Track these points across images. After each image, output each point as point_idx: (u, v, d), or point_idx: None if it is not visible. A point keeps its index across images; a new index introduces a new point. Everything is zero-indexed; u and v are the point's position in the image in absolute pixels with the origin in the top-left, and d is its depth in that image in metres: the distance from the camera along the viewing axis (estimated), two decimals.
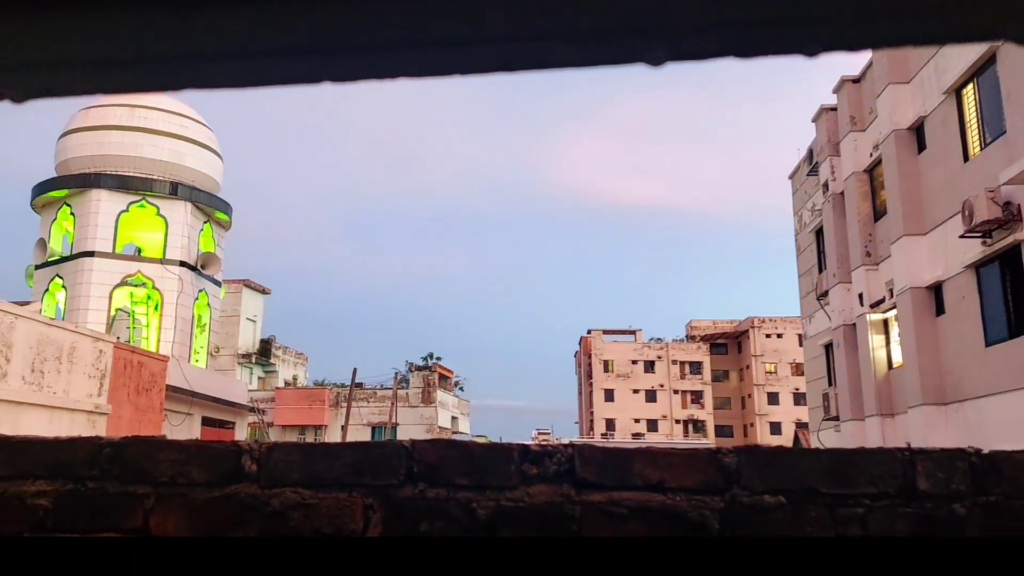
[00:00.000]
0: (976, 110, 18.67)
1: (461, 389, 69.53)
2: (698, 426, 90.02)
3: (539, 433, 78.53)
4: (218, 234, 36.17)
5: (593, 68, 0.55)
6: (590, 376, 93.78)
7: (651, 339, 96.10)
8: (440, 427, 58.18)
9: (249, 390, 41.23)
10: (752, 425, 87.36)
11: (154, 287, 33.13)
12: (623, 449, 2.15)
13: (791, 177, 32.41)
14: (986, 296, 18.32)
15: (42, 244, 34.00)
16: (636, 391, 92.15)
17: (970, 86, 18.86)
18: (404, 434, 53.00)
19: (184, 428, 27.40)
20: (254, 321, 60.17)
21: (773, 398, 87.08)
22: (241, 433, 33.49)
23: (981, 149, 18.47)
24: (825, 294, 27.02)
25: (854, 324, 24.78)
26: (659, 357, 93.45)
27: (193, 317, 34.44)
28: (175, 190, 33.56)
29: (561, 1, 0.51)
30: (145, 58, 0.57)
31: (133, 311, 32.90)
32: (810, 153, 29.36)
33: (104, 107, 33.22)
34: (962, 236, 18.21)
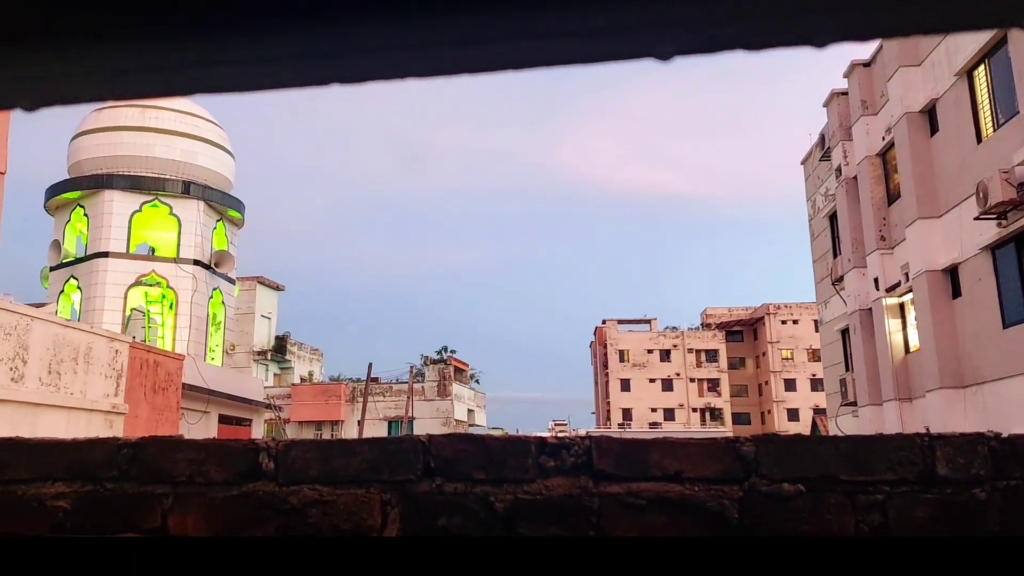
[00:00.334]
0: (988, 91, 18.56)
1: (477, 382, 69.58)
2: (715, 414, 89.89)
3: (556, 424, 78.44)
4: (231, 232, 36.26)
5: (601, 64, 0.55)
6: (606, 366, 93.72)
7: (666, 328, 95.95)
8: (456, 420, 58.25)
9: (265, 387, 41.35)
10: (769, 412, 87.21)
11: (168, 286, 33.25)
12: (640, 440, 2.15)
13: (803, 163, 32.27)
14: (1002, 278, 18.22)
15: (56, 246, 34.15)
16: (652, 380, 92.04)
17: (982, 67, 18.74)
18: (420, 428, 53.12)
19: (201, 426, 27.50)
20: (269, 318, 60.29)
21: (790, 384, 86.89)
22: (258, 430, 33.59)
23: (994, 130, 18.36)
24: (840, 279, 26.91)
25: (870, 309, 24.68)
26: (675, 346, 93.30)
27: (208, 315, 34.56)
28: (187, 189, 33.66)
29: None
30: (156, 66, 0.57)
31: (148, 310, 33.03)
32: (822, 138, 29.21)
33: (116, 108, 33.34)
34: (977, 218, 18.11)
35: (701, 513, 2.04)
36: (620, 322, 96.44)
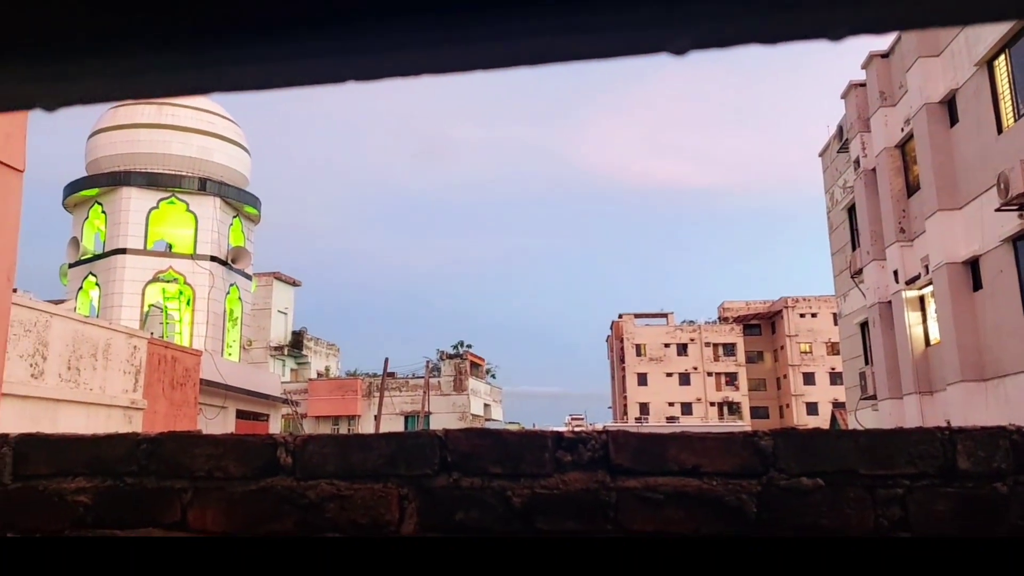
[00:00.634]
0: (1009, 81, 18.42)
1: (493, 376, 69.71)
2: (733, 408, 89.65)
3: (572, 419, 78.36)
4: (247, 228, 36.37)
5: (617, 59, 0.55)
6: (623, 360, 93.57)
7: (683, 322, 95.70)
8: (473, 415, 58.37)
9: (282, 382, 41.51)
10: (788, 406, 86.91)
11: (186, 282, 33.38)
12: (658, 434, 2.14)
13: (821, 155, 32.10)
14: None
15: (75, 243, 34.33)
16: (669, 374, 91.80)
17: (1002, 57, 18.60)
18: (437, 423, 53.21)
19: (219, 421, 27.62)
20: (285, 313, 60.51)
21: (809, 378, 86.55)
22: (275, 425, 33.71)
23: (1015, 120, 18.21)
24: (859, 272, 26.78)
25: (889, 301, 24.55)
26: (692, 340, 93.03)
27: (225, 311, 34.69)
28: (204, 186, 33.76)
29: None
30: (173, 65, 0.57)
31: (166, 307, 33.18)
32: (840, 130, 29.04)
33: (133, 106, 33.44)
34: (998, 210, 17.98)
35: (719, 508, 2.04)
36: (637, 316, 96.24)
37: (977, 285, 19.90)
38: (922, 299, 23.24)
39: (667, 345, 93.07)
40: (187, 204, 33.67)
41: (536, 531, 2.07)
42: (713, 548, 1.98)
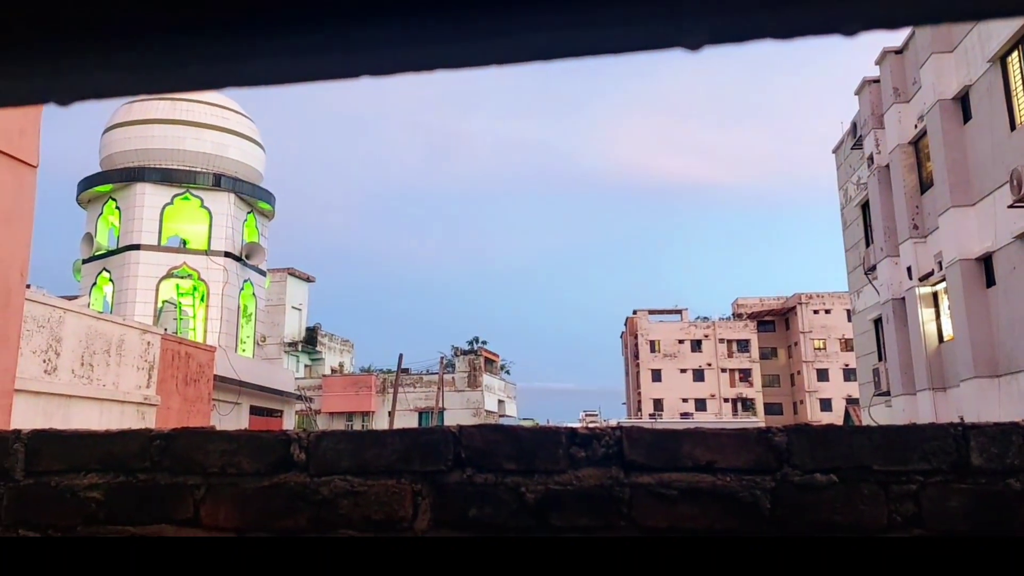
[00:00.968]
0: (1022, 77, 18.32)
1: (507, 372, 69.63)
2: (747, 404, 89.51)
3: (586, 415, 78.31)
4: (261, 224, 36.41)
5: (631, 54, 0.55)
6: (637, 356, 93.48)
7: (697, 318, 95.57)
8: (487, 411, 58.36)
9: (296, 378, 41.58)
10: (802, 402, 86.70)
11: (200, 278, 33.43)
12: (672, 430, 2.14)
13: (835, 151, 32.00)
14: None
15: (89, 238, 34.41)
16: (683, 370, 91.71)
17: (1015, 53, 18.50)
18: (451, 419, 53.23)
19: (232, 417, 27.69)
20: (299, 309, 60.62)
21: (822, 374, 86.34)
22: (289, 421, 33.79)
23: None
24: (873, 268, 26.70)
25: (903, 298, 24.48)
26: (706, 336, 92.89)
27: (239, 307, 34.75)
28: (218, 182, 33.80)
29: None
30: (188, 60, 0.57)
31: (179, 303, 33.25)
32: (854, 126, 28.93)
33: (147, 101, 33.51)
34: (1011, 206, 17.90)
35: (733, 504, 2.04)
36: (651, 312, 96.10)
37: (990, 281, 19.82)
38: (935, 295, 23.16)
39: (681, 341, 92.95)
40: (201, 200, 33.71)
41: (550, 527, 2.07)
42: (727, 547, 1.98)
